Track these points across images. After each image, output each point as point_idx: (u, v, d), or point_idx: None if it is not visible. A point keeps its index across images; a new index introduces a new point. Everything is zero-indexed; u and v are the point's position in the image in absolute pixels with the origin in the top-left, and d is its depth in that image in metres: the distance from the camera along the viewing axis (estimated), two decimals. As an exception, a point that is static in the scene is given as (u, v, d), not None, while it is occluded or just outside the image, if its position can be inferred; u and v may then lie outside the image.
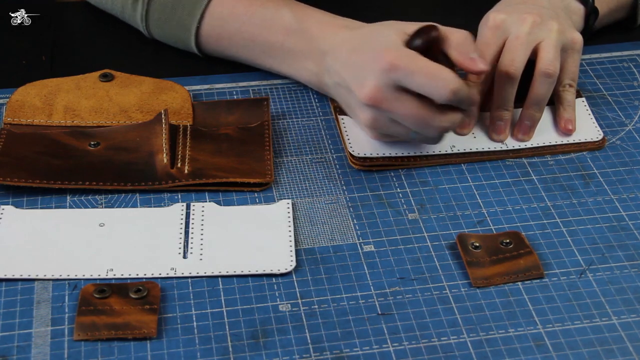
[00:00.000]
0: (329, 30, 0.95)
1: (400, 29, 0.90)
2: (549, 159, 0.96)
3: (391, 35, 0.89)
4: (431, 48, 0.89)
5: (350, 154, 0.94)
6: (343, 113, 0.98)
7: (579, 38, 0.97)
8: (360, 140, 0.95)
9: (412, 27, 0.90)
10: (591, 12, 1.04)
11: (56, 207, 0.90)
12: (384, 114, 0.89)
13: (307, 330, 0.79)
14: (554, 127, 0.98)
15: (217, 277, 0.83)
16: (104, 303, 0.80)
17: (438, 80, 0.86)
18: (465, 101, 0.88)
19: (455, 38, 0.90)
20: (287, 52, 0.99)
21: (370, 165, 0.94)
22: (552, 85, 0.95)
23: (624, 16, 1.12)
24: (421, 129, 0.89)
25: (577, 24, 1.04)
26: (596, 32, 1.09)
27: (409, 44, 0.88)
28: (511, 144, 0.97)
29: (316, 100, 1.03)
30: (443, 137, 0.92)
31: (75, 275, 0.83)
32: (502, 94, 0.95)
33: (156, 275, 0.83)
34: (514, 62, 0.93)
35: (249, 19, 1.00)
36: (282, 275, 0.84)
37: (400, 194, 0.92)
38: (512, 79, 0.94)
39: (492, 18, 0.97)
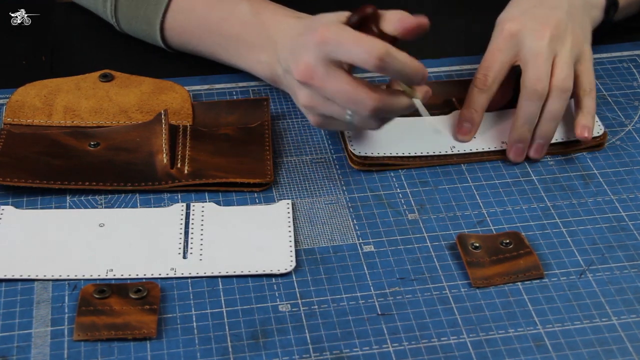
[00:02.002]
0: (281, 21, 0.96)
1: (342, 14, 0.89)
2: (549, 159, 0.96)
3: (330, 16, 0.89)
4: (368, 27, 0.87)
5: (352, 152, 0.94)
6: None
7: (588, 50, 0.97)
8: (361, 139, 0.95)
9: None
10: (611, 4, 1.03)
11: (56, 208, 0.90)
12: (318, 91, 0.88)
13: (307, 331, 0.79)
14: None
15: (217, 277, 0.83)
16: (104, 303, 0.80)
17: (364, 46, 0.84)
18: (399, 71, 0.86)
19: (391, 14, 0.88)
20: (243, 45, 1.00)
21: (370, 165, 0.94)
22: (567, 101, 0.94)
23: (636, 12, 1.11)
24: (353, 107, 0.87)
25: (597, 18, 1.03)
26: (596, 33, 1.09)
27: (346, 22, 0.88)
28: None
29: (316, 101, 1.03)
30: (382, 124, 0.90)
31: (75, 276, 0.83)
32: (525, 111, 0.94)
33: (156, 275, 0.83)
34: (542, 81, 0.92)
35: (209, 12, 1.01)
36: (282, 275, 0.84)
37: (400, 194, 0.92)
38: (540, 96, 0.93)
39: (508, 28, 0.96)
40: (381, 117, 0.89)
